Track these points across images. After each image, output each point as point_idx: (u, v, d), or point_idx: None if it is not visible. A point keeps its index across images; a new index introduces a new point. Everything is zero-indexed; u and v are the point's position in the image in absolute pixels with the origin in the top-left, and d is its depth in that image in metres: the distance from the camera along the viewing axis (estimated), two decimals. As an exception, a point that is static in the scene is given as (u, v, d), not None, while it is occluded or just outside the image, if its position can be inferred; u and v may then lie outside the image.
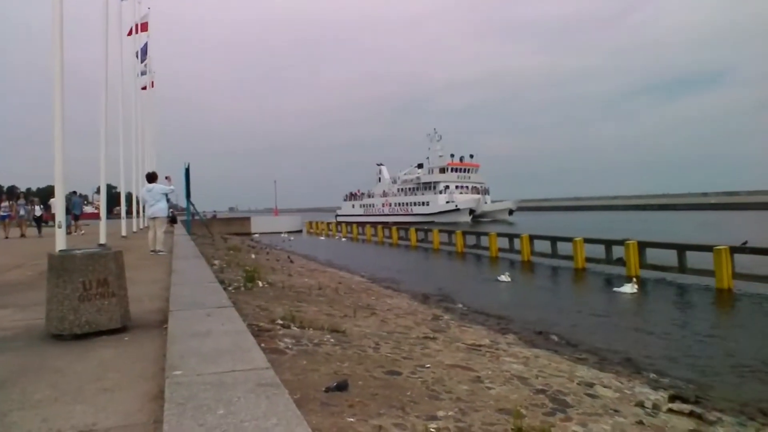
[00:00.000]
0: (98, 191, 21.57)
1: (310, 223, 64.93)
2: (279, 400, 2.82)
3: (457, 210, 71.71)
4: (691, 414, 6.07)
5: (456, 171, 79.03)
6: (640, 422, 5.42)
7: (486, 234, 29.68)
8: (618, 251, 20.26)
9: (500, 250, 27.65)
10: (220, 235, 37.33)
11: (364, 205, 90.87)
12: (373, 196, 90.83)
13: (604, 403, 6.09)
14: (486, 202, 75.07)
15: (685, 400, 6.80)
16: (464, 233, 32.34)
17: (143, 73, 29.37)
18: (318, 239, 50.25)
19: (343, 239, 49.13)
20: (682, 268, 17.70)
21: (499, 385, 6.08)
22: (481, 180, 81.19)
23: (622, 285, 16.43)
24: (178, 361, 3.60)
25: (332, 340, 6.90)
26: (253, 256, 22.12)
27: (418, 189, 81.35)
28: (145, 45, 28.19)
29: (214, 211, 71.20)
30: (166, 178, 16.26)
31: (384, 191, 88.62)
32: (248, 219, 61.66)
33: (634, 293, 15.71)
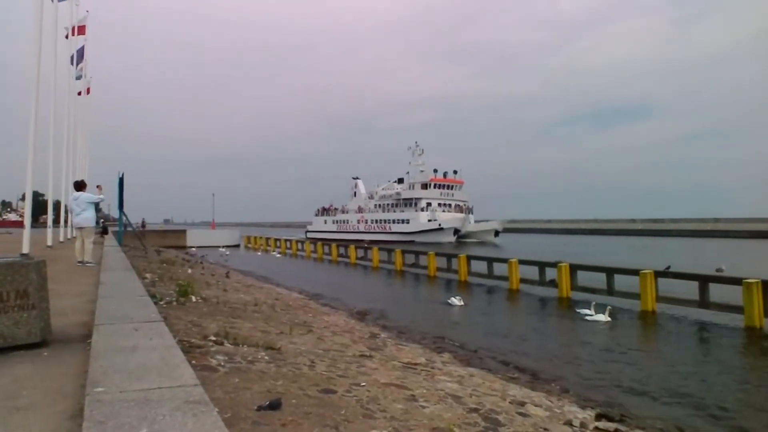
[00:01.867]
0: (23, 198, 20.43)
1: (248, 237, 63.79)
2: (207, 419, 2.72)
3: (441, 229, 67.41)
4: (615, 431, 6.26)
5: (439, 187, 73.96)
6: (569, 440, 5.54)
7: (424, 253, 29.97)
8: (551, 273, 20.87)
9: (438, 269, 27.99)
10: (153, 247, 36.13)
11: (337, 221, 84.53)
12: (347, 212, 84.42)
13: (534, 422, 6.20)
14: (470, 222, 70.66)
15: (610, 419, 7.03)
16: (403, 252, 32.56)
17: (79, 78, 28.23)
18: (256, 254, 49.35)
19: (277, 255, 48.00)
20: (610, 290, 18.41)
21: (434, 403, 6.10)
22: (465, 198, 76.55)
23: (594, 314, 15.60)
24: (100, 378, 3.43)
25: (267, 357, 6.76)
26: (189, 270, 21.49)
27: (397, 205, 76.27)
28: (82, 48, 27.14)
29: (143, 220, 68.13)
30: (97, 186, 15.63)
31: (359, 207, 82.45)
32: (184, 232, 60.02)
33: (608, 321, 15.12)
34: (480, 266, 25.32)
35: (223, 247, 53.73)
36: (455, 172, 76.70)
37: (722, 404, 8.42)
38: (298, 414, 4.65)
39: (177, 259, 26.98)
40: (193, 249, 49.74)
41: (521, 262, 22.77)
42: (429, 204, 71.69)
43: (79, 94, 29.22)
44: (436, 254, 28.93)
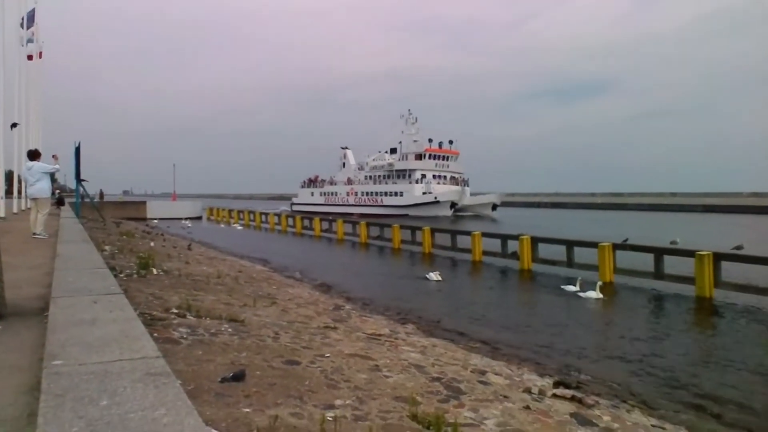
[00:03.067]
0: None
1: (211, 209, 62.81)
2: (168, 390, 2.70)
3: (437, 202, 63.50)
4: (572, 398, 6.48)
5: (434, 158, 69.87)
6: (527, 407, 5.71)
7: (389, 226, 30.09)
8: (513, 245, 21.23)
9: (402, 241, 28.18)
10: (112, 219, 35.33)
11: (325, 194, 79.22)
12: (336, 184, 79.08)
13: (494, 390, 6.36)
14: (466, 195, 67.06)
15: (567, 386, 7.26)
16: (368, 224, 32.62)
17: (30, 41, 27.00)
18: (218, 227, 48.71)
19: (239, 227, 47.18)
20: (570, 262, 18.86)
21: (397, 373, 6.19)
22: (460, 169, 72.25)
23: (579, 289, 15.22)
24: (58, 351, 3.36)
25: (230, 329, 6.73)
26: (150, 242, 21.12)
27: (389, 177, 71.65)
28: (32, 11, 25.95)
29: (101, 190, 65.86)
30: (53, 156, 15.14)
31: (349, 178, 77.35)
32: (144, 204, 58.63)
33: (600, 298, 14.58)
34: (444, 239, 25.60)
35: (186, 219, 52.85)
36: (450, 142, 72.37)
37: (669, 368, 8.79)
38: (262, 385, 4.67)
39: (137, 231, 26.49)
40: (155, 221, 48.85)
41: (484, 234, 23.09)
42: (423, 176, 67.98)
43: (30, 58, 27.96)
44: (401, 227, 29.09)
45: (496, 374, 7.34)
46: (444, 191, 65.99)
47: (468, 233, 23.64)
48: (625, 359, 9.47)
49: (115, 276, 7.81)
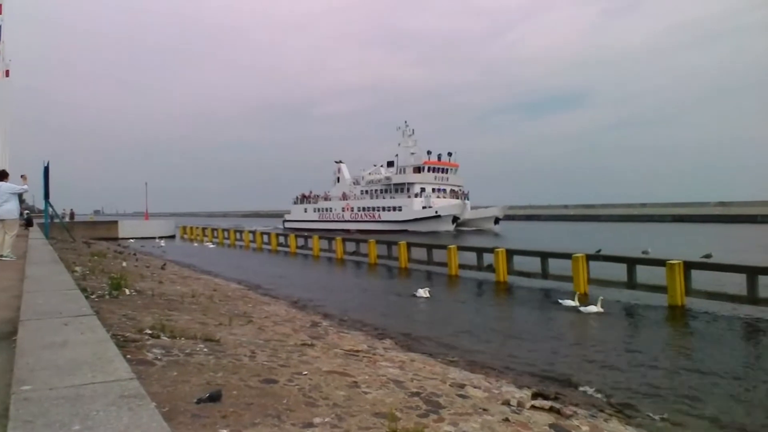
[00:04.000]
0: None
1: (184, 228, 62.05)
2: (143, 413, 2.65)
3: (438, 217, 61.14)
4: (551, 409, 6.51)
5: (433, 171, 67.42)
6: (506, 419, 5.72)
7: (365, 241, 30.07)
8: (488, 258, 21.37)
9: (379, 256, 28.18)
10: (83, 240, 34.66)
11: (319, 210, 77.08)
12: (330, 199, 76.78)
13: (473, 403, 6.36)
14: (467, 208, 64.60)
15: (546, 397, 7.30)
16: (344, 240, 32.56)
17: (-5, 60, 26.56)
18: (192, 245, 48.10)
19: (210, 246, 46.25)
20: (545, 274, 19.05)
21: (376, 389, 6.15)
22: (460, 182, 70.08)
23: (578, 304, 14.92)
24: (27, 375, 3.26)
25: (205, 349, 6.63)
26: (122, 263, 20.75)
27: (387, 191, 69.13)
28: (-1, 29, 25.57)
29: (71, 210, 64.61)
30: (22, 177, 14.84)
31: (344, 193, 74.75)
32: (116, 223, 57.70)
33: (601, 312, 14.24)
34: (420, 253, 25.66)
35: (159, 238, 52.18)
36: (449, 154, 70.00)
37: (651, 382, 8.90)
38: (239, 405, 4.60)
39: (108, 251, 26.00)
40: (131, 240, 48.16)
41: (460, 248, 23.22)
42: (423, 189, 65.48)
43: (-3, 77, 27.51)
44: (377, 242, 29.11)
45: (474, 387, 7.34)
46: (444, 205, 63.62)
47: (444, 247, 23.73)
48: (602, 366, 9.57)
49: (87, 297, 7.65)
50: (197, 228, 58.97)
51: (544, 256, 19.63)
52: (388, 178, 70.02)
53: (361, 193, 73.08)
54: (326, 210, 76.11)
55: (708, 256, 19.32)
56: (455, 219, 61.17)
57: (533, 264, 19.69)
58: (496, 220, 63.35)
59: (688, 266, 15.10)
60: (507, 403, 6.64)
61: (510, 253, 20.60)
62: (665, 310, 14.80)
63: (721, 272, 15.32)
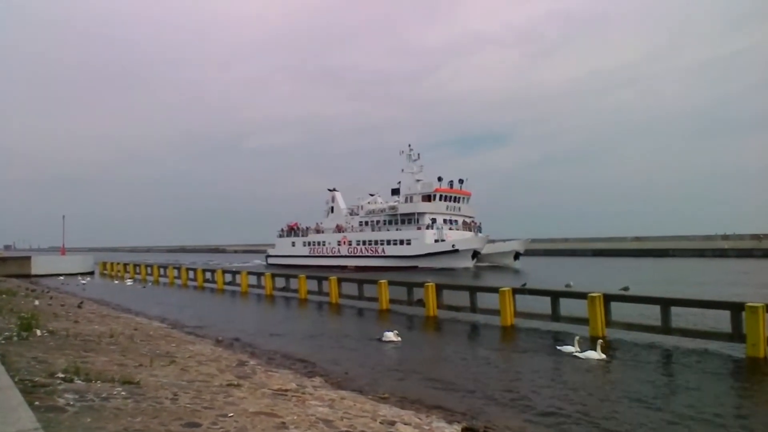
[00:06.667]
0: None
1: (104, 263, 59.12)
2: (50, 465, 2.46)
3: (455, 251, 53.55)
4: (480, 444, 6.55)
5: (445, 200, 59.09)
6: (436, 456, 5.70)
7: (295, 277, 29.64)
8: (418, 293, 21.54)
9: (309, 292, 27.83)
10: (-10, 277, 32.41)
11: (310, 244, 67.86)
12: (323, 232, 68.21)
13: (404, 440, 6.31)
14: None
15: (475, 431, 7.34)
16: (273, 275, 31.98)
17: None
18: (113, 282, 45.85)
19: (129, 282, 43.58)
20: (473, 308, 19.37)
21: (304, 429, 6.00)
22: (472, 213, 62.65)
23: (579, 350, 13.49)
24: None
25: (124, 392, 6.28)
26: (35, 301, 19.52)
27: (391, 222, 60.72)
28: None
29: None
30: None
31: (339, 225, 66.21)
32: (28, 259, 54.33)
33: (602, 359, 12.90)
34: (350, 288, 25.52)
35: (81, 275, 49.65)
36: (461, 181, 61.34)
37: (585, 412, 9.11)
38: (158, 452, 4.37)
39: (19, 290, 24.44)
40: (61, 277, 45.81)
41: (391, 283, 23.29)
42: (434, 220, 57.55)
43: None
44: (307, 277, 28.76)
45: (405, 424, 7.30)
46: (461, 238, 56.15)
47: (374, 282, 23.70)
48: (529, 402, 9.73)
49: (-8, 340, 7.13)
50: (118, 264, 56.31)
51: (473, 290, 20.01)
52: (393, 208, 61.42)
53: (360, 225, 64.23)
54: (318, 244, 67.04)
55: (626, 288, 20.27)
56: (475, 254, 53.98)
57: (463, 298, 19.99)
58: (516, 255, 56.87)
59: (608, 299, 15.77)
60: (437, 439, 6.64)
61: (440, 288, 20.86)
62: (586, 341, 15.30)
63: (639, 303, 16.03)
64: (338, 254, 63.20)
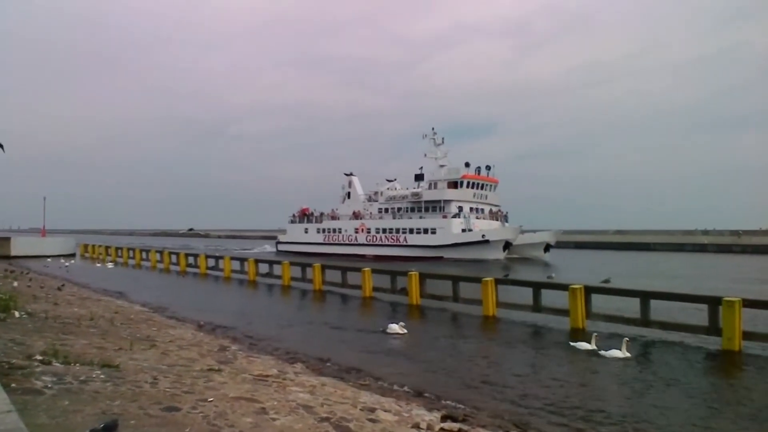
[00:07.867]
0: None
1: (85, 246, 58.48)
2: (25, 448, 2.44)
3: (485, 242, 50.39)
4: (459, 431, 6.61)
5: (473, 187, 55.46)
6: (415, 443, 5.75)
7: (279, 263, 29.55)
8: (402, 281, 21.62)
9: (293, 279, 27.80)
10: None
11: (324, 231, 63.67)
12: (339, 218, 63.71)
13: (383, 427, 6.36)
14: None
15: (455, 419, 7.41)
16: (257, 261, 31.81)
17: None
18: (95, 265, 45.37)
19: (110, 265, 42.95)
20: (455, 297, 19.48)
21: (284, 415, 6.02)
22: (498, 201, 59.03)
23: (596, 348, 12.88)
24: None
25: (103, 376, 6.25)
26: (14, 283, 19.28)
27: (414, 210, 57.02)
28: None
29: None
30: None
31: (356, 212, 62.01)
32: (8, 240, 53.51)
33: (627, 357, 12.30)
34: (334, 276, 25.52)
35: (63, 257, 49.11)
36: (488, 167, 57.79)
37: (551, 400, 9.23)
38: (136, 435, 4.36)
39: (-2, 271, 24.10)
40: (49, 259, 45.16)
41: (374, 271, 23.34)
42: (460, 208, 53.94)
43: None
44: (291, 263, 28.70)
45: (385, 411, 7.35)
46: (488, 228, 53.34)
47: (358, 270, 23.73)
48: (506, 390, 9.83)
49: (-32, 320, 7.04)
50: (100, 246, 55.73)
51: (456, 279, 20.11)
52: (416, 195, 57.76)
53: (380, 212, 60.47)
54: (333, 231, 62.90)
55: (607, 281, 20.50)
56: (507, 245, 51.15)
57: (446, 287, 20.08)
58: (547, 247, 53.32)
59: (589, 291, 15.94)
60: (417, 426, 6.69)
61: (423, 277, 20.94)
62: (566, 333, 15.48)
63: (620, 296, 16.21)
64: (355, 242, 59.63)
